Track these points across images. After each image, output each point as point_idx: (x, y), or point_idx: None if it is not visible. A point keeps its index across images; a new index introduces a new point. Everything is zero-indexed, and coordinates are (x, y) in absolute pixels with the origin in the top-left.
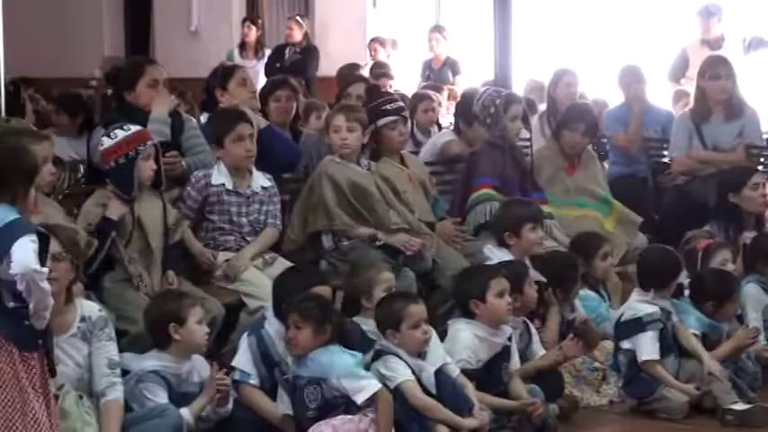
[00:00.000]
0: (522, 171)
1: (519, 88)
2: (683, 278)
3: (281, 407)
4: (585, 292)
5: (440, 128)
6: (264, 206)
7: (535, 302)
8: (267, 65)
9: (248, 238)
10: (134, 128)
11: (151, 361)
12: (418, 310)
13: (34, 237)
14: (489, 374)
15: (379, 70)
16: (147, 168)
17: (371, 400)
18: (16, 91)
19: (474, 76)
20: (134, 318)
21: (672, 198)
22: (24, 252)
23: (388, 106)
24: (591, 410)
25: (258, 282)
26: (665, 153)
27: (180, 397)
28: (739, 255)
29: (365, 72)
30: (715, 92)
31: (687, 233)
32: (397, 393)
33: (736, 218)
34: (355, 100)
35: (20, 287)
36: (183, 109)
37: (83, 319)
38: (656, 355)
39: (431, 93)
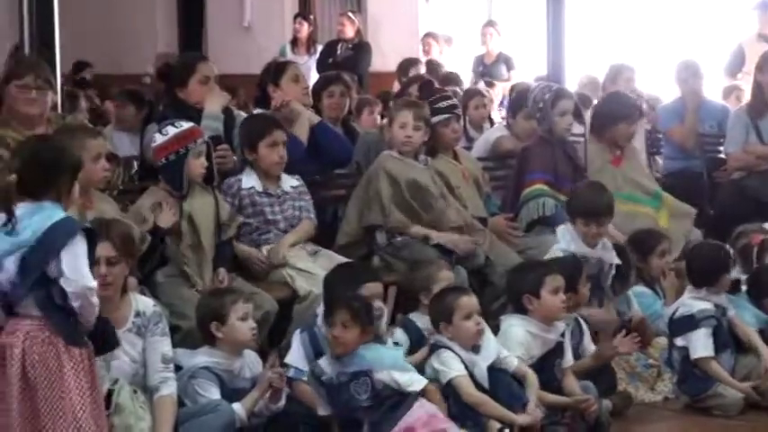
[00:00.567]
0: (575, 167)
1: (572, 83)
2: (738, 274)
3: (320, 409)
4: (641, 289)
5: (492, 123)
6: (297, 202)
7: (587, 300)
8: (319, 61)
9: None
10: (186, 125)
11: (202, 357)
12: (470, 301)
13: (83, 238)
14: (542, 371)
15: (433, 68)
16: (197, 165)
17: (421, 393)
18: (78, 84)
19: (526, 71)
20: (186, 313)
21: (727, 194)
22: (77, 266)
23: (441, 104)
24: (645, 407)
25: (306, 266)
26: (721, 148)
27: (232, 393)
28: None
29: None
30: None
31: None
32: (450, 388)
33: None
34: (415, 96)
35: (72, 303)
36: (234, 105)
37: (137, 315)
38: (709, 352)
39: (482, 89)
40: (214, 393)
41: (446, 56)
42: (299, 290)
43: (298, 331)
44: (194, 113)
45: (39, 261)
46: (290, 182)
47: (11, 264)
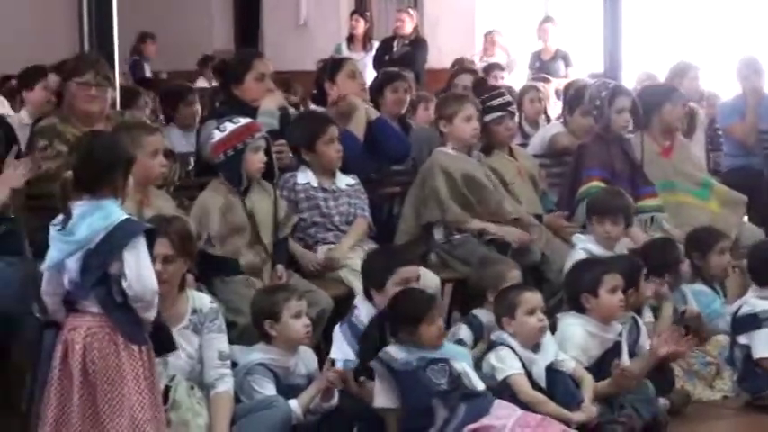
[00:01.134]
0: (632, 164)
1: (629, 80)
2: None
3: (381, 400)
4: (700, 287)
5: (548, 120)
6: (352, 200)
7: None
8: (376, 57)
9: (342, 228)
10: (243, 120)
11: (258, 354)
12: (533, 297)
13: (144, 239)
14: (600, 371)
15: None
16: (255, 161)
17: None
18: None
19: (582, 67)
20: (243, 310)
21: None
22: (138, 268)
23: (494, 102)
24: (703, 405)
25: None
26: None
27: (287, 389)
28: None
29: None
30: None
31: None
32: (506, 386)
33: None
34: (462, 90)
35: (133, 304)
36: (290, 101)
37: (194, 311)
38: None
39: (537, 84)
40: (270, 389)
41: (502, 55)
42: (355, 288)
43: (337, 326)
44: (250, 110)
45: (100, 263)
46: (345, 180)
47: (73, 263)
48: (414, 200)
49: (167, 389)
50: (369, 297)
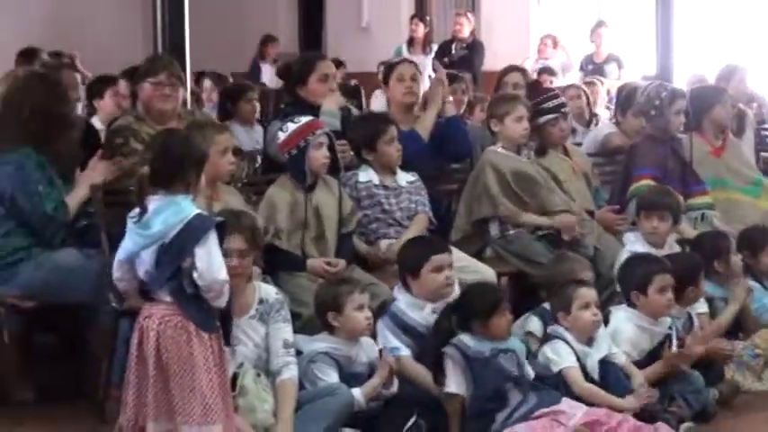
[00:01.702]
0: (683, 163)
1: (680, 82)
2: None
3: (453, 386)
4: (750, 283)
5: (597, 120)
6: (413, 196)
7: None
8: (434, 60)
9: (404, 224)
10: (304, 119)
11: (321, 343)
12: (588, 292)
13: (215, 233)
14: (651, 364)
15: (542, 66)
16: (318, 157)
17: None
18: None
19: (634, 70)
20: (306, 301)
21: None
22: (210, 261)
23: (548, 104)
24: (752, 396)
25: None
26: None
27: (349, 377)
28: None
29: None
30: None
31: None
32: (560, 378)
33: None
34: (511, 88)
35: (204, 294)
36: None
37: (261, 302)
38: None
39: (579, 84)
40: (333, 377)
41: (558, 57)
42: None
43: (380, 320)
44: (313, 111)
45: (174, 257)
46: (406, 177)
47: (147, 256)
48: (467, 197)
49: (235, 376)
50: (405, 285)
